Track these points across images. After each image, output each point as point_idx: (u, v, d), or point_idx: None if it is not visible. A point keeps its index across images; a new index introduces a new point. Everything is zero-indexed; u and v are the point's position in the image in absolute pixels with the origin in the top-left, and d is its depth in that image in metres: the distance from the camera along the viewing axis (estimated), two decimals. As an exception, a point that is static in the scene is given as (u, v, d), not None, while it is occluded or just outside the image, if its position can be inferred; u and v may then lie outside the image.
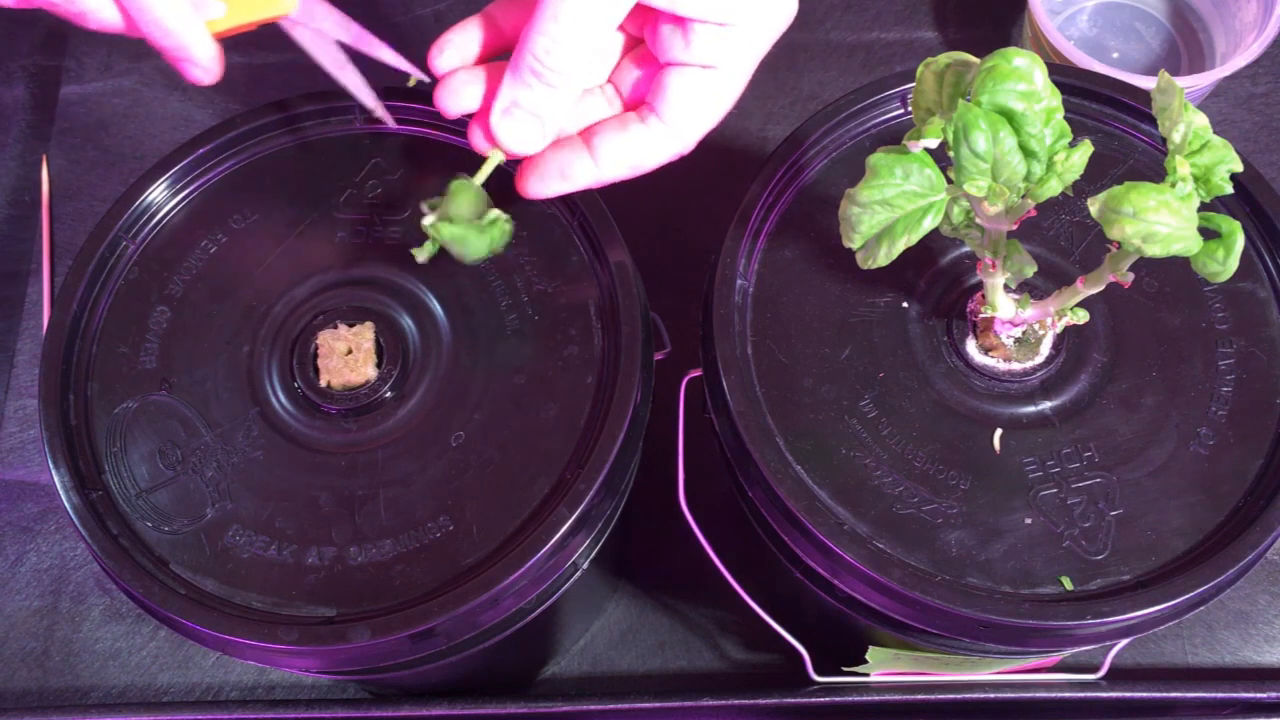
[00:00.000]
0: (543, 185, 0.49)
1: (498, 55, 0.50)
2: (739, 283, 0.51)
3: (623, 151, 0.48)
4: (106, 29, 0.46)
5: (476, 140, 0.49)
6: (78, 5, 0.45)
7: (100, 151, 0.82)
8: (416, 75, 0.50)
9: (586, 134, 0.49)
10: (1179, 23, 0.82)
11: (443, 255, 0.48)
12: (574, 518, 0.47)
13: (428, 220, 0.47)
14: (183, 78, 0.48)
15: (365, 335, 0.51)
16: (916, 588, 0.46)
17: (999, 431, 0.49)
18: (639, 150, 0.49)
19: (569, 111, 0.49)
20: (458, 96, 0.49)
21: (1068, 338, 0.51)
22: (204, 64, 0.47)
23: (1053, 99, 0.40)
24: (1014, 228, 0.44)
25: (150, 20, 0.45)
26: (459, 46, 0.49)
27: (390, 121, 0.52)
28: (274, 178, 0.55)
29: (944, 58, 0.42)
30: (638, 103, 0.50)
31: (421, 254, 0.47)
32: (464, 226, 0.47)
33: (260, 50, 0.84)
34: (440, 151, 0.55)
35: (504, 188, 0.50)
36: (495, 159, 0.48)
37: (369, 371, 0.51)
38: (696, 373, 0.53)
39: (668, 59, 0.48)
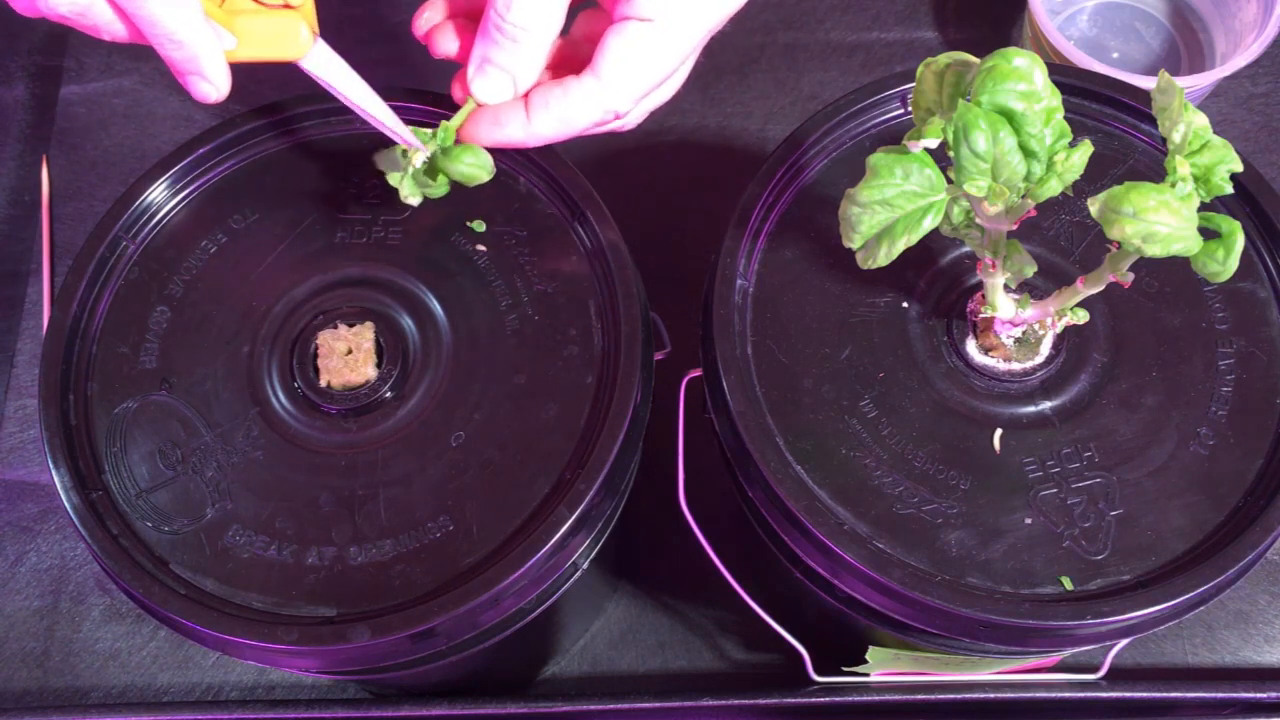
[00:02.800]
0: (475, 130, 0.50)
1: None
2: (739, 283, 0.51)
3: (553, 105, 0.49)
4: (119, 40, 0.46)
5: (457, 91, 0.51)
6: (91, 19, 0.45)
7: (100, 151, 0.82)
8: (414, 145, 0.50)
9: (526, 92, 0.50)
10: (1179, 23, 0.82)
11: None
12: (574, 518, 0.47)
13: (418, 160, 0.50)
14: (188, 92, 0.48)
15: (365, 335, 0.51)
16: (916, 588, 0.46)
17: (999, 431, 0.49)
18: (568, 104, 0.49)
19: (540, 64, 0.49)
20: (446, 40, 0.51)
21: (1068, 338, 0.51)
22: (214, 80, 0.47)
23: (1053, 99, 0.40)
24: (1014, 228, 0.44)
25: (162, 34, 0.45)
26: (437, 8, 0.52)
27: (424, 150, 0.51)
28: (274, 178, 0.55)
29: (944, 58, 0.42)
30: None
31: (424, 193, 0.51)
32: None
33: (260, 50, 0.84)
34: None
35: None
36: (470, 106, 0.50)
37: (369, 371, 0.50)
38: (696, 373, 0.53)
39: (614, 15, 0.48)
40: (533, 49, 0.48)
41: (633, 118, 0.52)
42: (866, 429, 0.50)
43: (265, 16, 0.47)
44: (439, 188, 0.51)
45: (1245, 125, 0.80)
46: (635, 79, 0.48)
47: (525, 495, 0.48)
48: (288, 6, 0.47)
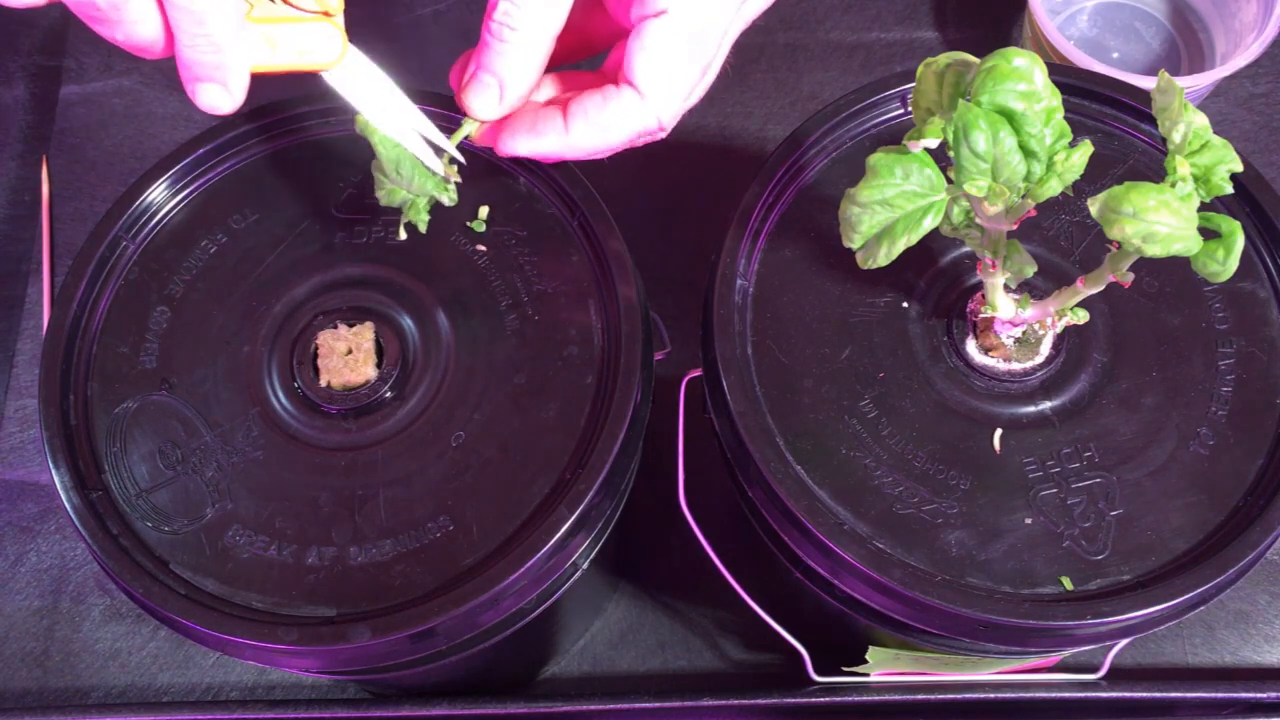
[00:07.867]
0: (512, 141, 0.49)
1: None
2: (739, 283, 0.51)
3: (591, 115, 0.47)
4: (134, 41, 0.42)
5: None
6: (120, 14, 0.40)
7: (100, 151, 0.82)
8: (451, 153, 0.50)
9: (564, 101, 0.49)
10: (1179, 23, 0.82)
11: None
12: (574, 518, 0.47)
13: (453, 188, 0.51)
14: (192, 101, 0.44)
15: (365, 335, 0.51)
16: (916, 588, 0.46)
17: (999, 431, 0.49)
18: (607, 115, 0.47)
19: (531, 78, 0.48)
20: None
21: (1068, 338, 0.51)
22: (234, 91, 0.44)
23: (1053, 99, 0.40)
24: (1014, 228, 0.44)
25: (200, 35, 0.41)
26: None
27: (460, 158, 0.50)
28: (274, 178, 0.55)
29: (944, 58, 0.42)
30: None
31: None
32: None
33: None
34: (440, 151, 0.55)
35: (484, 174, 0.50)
36: (466, 127, 0.50)
37: (369, 371, 0.50)
38: (696, 373, 0.53)
39: (630, 19, 0.47)
40: (521, 52, 0.46)
41: (669, 123, 0.50)
42: (866, 429, 0.50)
43: (300, 23, 0.44)
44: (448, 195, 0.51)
45: (1245, 125, 0.80)
46: (671, 81, 0.46)
47: (525, 495, 0.48)
48: (325, 14, 0.45)
